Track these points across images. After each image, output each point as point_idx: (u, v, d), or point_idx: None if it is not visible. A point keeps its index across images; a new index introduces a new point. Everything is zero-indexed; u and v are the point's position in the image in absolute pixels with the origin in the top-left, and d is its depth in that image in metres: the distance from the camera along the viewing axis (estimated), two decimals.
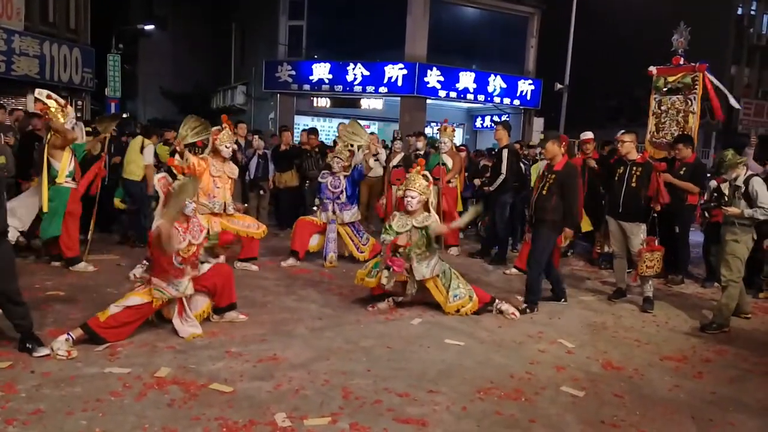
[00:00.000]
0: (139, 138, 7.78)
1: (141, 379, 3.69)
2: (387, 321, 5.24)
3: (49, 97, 5.98)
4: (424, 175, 5.62)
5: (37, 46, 12.99)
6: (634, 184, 6.05)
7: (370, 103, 19.64)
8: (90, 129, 6.82)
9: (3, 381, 3.55)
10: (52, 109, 5.90)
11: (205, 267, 4.64)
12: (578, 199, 5.88)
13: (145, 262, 5.97)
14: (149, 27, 27.36)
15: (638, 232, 6.04)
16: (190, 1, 27.98)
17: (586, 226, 7.83)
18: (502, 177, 7.70)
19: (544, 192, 5.77)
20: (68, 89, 14.49)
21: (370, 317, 5.31)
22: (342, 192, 7.22)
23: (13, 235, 4.61)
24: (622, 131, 6.39)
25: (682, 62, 7.99)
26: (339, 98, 19.53)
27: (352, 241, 7.34)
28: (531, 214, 6.02)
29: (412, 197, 5.48)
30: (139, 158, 7.56)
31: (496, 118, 20.64)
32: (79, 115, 12.46)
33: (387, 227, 5.59)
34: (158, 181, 4.33)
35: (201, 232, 4.52)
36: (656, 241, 6.11)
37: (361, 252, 7.29)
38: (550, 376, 4.22)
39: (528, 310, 5.71)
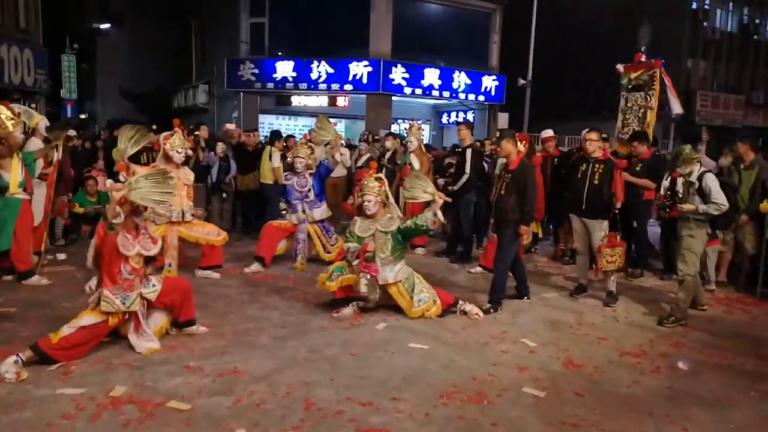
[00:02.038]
0: (267, 147, 9.26)
1: (95, 399, 3.58)
2: (351, 327, 5.20)
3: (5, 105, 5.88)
4: (377, 178, 5.66)
5: None
6: (596, 182, 6.09)
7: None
8: (43, 137, 6.59)
9: None
10: (2, 117, 5.74)
11: (153, 281, 4.50)
12: (535, 196, 5.93)
13: None
14: (105, 26, 26.69)
15: (600, 229, 6.13)
16: None
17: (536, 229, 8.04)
18: (465, 176, 7.73)
19: (502, 192, 5.83)
20: (21, 92, 14.05)
21: (334, 323, 5.26)
22: (309, 190, 7.13)
23: None
24: (587, 129, 6.46)
25: (643, 59, 8.14)
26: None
27: (320, 240, 7.24)
28: (493, 215, 6.06)
29: (369, 201, 5.53)
30: (269, 164, 9.00)
31: (462, 115, 20.80)
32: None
33: (348, 234, 5.59)
34: (109, 186, 4.17)
35: (154, 244, 4.38)
36: (618, 237, 6.21)
37: (329, 252, 7.18)
38: (512, 377, 4.25)
39: (492, 310, 5.75)
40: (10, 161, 5.81)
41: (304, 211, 7.12)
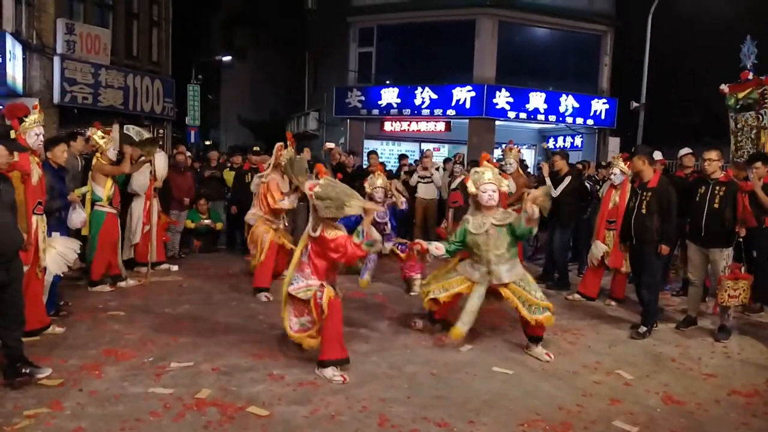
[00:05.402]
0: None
1: (182, 400, 3.76)
2: (435, 347, 5.11)
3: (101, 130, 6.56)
4: (499, 170, 5.29)
5: (122, 79, 13.86)
6: (716, 206, 5.63)
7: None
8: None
9: (51, 398, 3.68)
10: (95, 138, 6.42)
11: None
12: (675, 215, 5.59)
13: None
14: (227, 58, 28.76)
15: (722, 258, 5.62)
16: (267, 33, 29.24)
17: None
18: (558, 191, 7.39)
19: (643, 211, 5.54)
20: (150, 118, 15.38)
21: (418, 342, 5.20)
22: (386, 223, 7.03)
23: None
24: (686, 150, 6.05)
25: (750, 77, 7.51)
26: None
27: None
28: (631, 235, 5.68)
29: (493, 191, 4.99)
30: None
31: (569, 139, 20.14)
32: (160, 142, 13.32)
33: (451, 237, 5.29)
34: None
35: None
36: (742, 269, 5.66)
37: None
38: (602, 409, 3.97)
39: (648, 334, 5.54)
40: (104, 178, 6.29)
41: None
